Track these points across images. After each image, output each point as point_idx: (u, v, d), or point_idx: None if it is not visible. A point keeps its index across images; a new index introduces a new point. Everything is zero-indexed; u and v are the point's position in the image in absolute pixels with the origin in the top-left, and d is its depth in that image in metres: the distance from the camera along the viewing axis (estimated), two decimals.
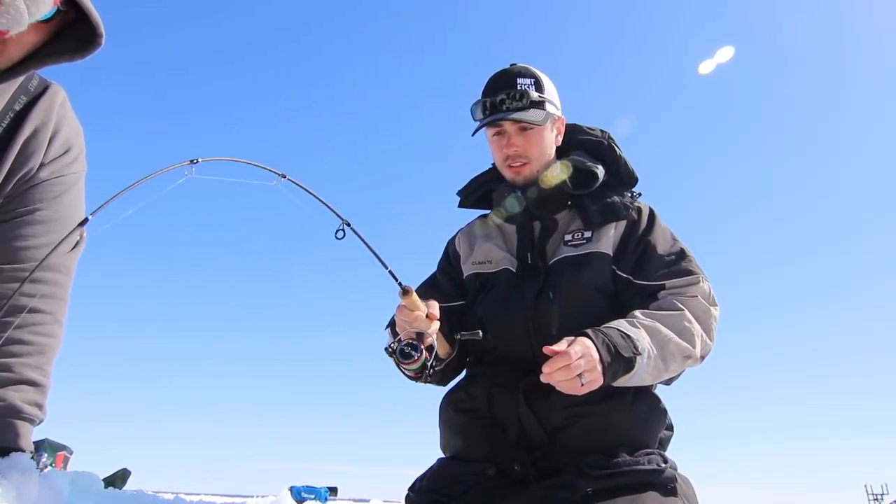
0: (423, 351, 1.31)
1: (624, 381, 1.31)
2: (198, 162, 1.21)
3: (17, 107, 1.18)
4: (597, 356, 1.23)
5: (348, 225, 1.40)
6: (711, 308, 1.43)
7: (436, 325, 1.34)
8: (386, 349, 1.35)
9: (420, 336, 1.32)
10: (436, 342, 1.36)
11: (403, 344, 1.32)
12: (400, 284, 1.35)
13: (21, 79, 1.18)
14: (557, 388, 1.21)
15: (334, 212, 1.39)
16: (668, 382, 1.47)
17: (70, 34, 1.08)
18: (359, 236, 1.39)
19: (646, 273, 1.47)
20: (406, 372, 1.41)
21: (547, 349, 1.20)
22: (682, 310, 1.39)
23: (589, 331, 1.27)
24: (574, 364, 1.18)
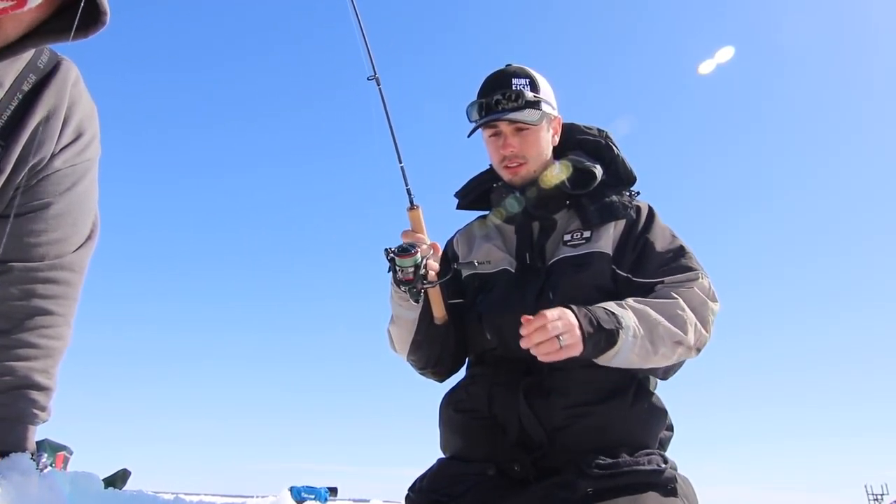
0: (420, 254, 1.36)
1: (608, 359, 1.31)
2: None
3: (26, 87, 1.06)
4: (574, 321, 1.25)
5: (377, 80, 1.57)
6: (709, 301, 1.42)
7: (436, 260, 1.43)
8: (385, 250, 1.40)
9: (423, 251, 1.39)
10: (433, 265, 1.42)
11: (405, 242, 1.40)
12: (409, 192, 1.47)
13: (29, 55, 1.07)
14: (536, 353, 1.23)
15: (370, 56, 1.59)
16: (665, 376, 1.47)
17: (73, 12, 0.98)
18: (382, 97, 1.56)
19: (644, 271, 1.47)
20: (401, 271, 1.38)
21: (524, 317, 1.22)
22: (676, 298, 1.39)
23: (571, 305, 1.29)
24: (551, 325, 1.21)
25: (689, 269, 1.45)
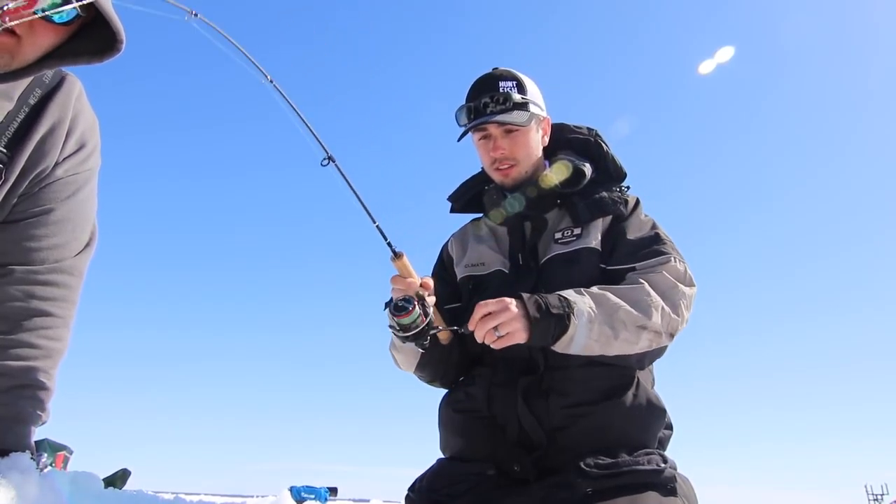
0: (418, 306, 1.33)
1: (564, 346, 1.32)
2: None
3: (32, 100, 1.13)
4: (515, 311, 1.27)
5: (332, 160, 1.47)
6: (681, 285, 1.41)
7: (431, 297, 1.39)
8: (385, 304, 1.38)
9: (418, 296, 1.36)
10: (433, 311, 1.38)
11: (398, 299, 1.35)
12: (390, 245, 1.41)
13: None
14: (480, 340, 1.28)
15: (318, 141, 1.48)
16: (640, 364, 1.44)
17: (89, 36, 1.06)
18: (341, 173, 1.47)
19: (616, 258, 1.48)
20: (398, 327, 1.36)
21: (478, 305, 1.28)
22: (642, 283, 1.39)
23: (523, 293, 1.32)
24: (490, 317, 1.26)
25: (661, 253, 1.45)
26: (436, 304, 1.42)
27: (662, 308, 1.36)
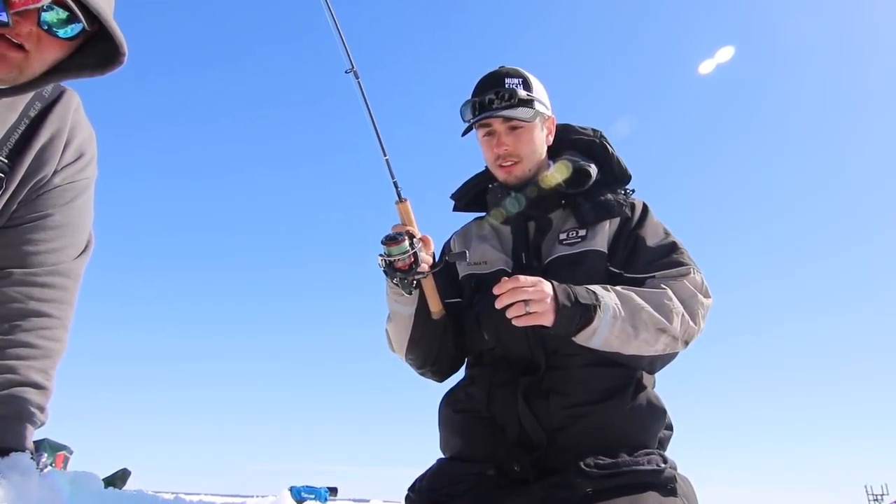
0: (407, 241, 1.36)
1: (586, 338, 1.32)
2: None
3: (33, 113, 1.18)
4: (549, 291, 1.29)
5: (356, 74, 1.52)
6: (700, 295, 1.43)
7: (427, 254, 1.42)
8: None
9: (411, 235, 1.39)
10: (423, 259, 1.41)
11: (392, 232, 1.39)
12: (396, 185, 1.45)
13: None
14: (508, 314, 1.27)
15: (346, 50, 1.53)
16: (651, 368, 1.46)
17: (92, 50, 1.10)
18: (361, 90, 1.51)
19: (635, 266, 1.48)
20: (387, 255, 1.38)
21: (503, 278, 1.28)
22: (665, 289, 1.40)
23: (554, 281, 1.32)
24: (521, 288, 1.25)
25: (681, 263, 1.46)
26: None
27: (682, 315, 1.38)
